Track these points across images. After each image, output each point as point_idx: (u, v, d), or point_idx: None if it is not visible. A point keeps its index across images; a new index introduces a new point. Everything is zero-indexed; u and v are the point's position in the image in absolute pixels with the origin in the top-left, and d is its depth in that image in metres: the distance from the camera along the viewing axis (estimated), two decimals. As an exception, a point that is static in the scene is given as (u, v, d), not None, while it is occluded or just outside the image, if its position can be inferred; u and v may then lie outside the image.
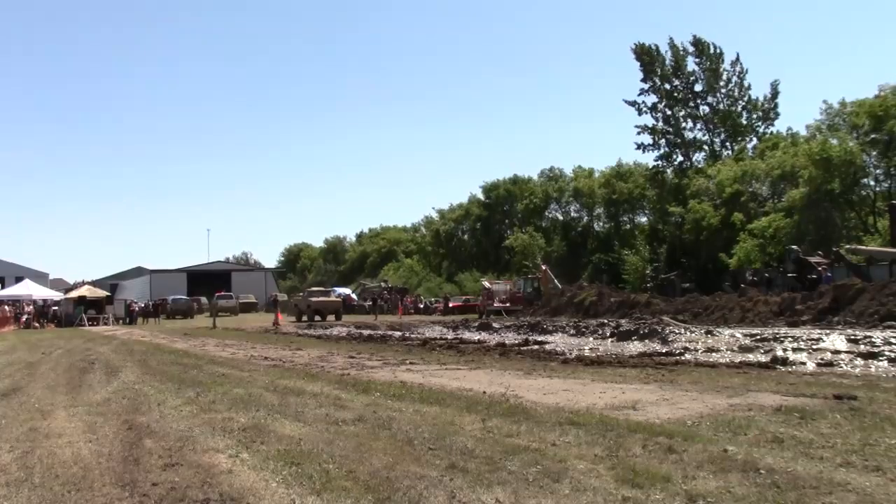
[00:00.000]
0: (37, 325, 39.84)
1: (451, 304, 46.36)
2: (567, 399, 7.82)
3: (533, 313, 35.62)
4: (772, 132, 54.47)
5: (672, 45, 56.18)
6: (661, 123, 56.79)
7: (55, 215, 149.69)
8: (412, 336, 23.23)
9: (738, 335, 17.37)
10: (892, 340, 14.44)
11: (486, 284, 45.50)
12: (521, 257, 57.50)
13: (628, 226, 61.18)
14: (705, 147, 57.65)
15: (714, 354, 13.48)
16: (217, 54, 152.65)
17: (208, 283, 64.63)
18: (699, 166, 54.84)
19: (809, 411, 6.55)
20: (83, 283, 55.48)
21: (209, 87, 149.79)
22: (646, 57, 56.25)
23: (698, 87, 56.36)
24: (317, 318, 37.83)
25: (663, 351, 14.69)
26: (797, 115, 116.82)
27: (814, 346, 14.04)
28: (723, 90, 56.23)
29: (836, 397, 7.29)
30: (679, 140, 56.76)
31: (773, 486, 4.22)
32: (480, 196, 72.40)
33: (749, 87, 55.84)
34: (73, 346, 20.66)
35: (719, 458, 4.88)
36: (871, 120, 37.84)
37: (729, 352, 13.94)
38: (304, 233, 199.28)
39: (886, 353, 12.21)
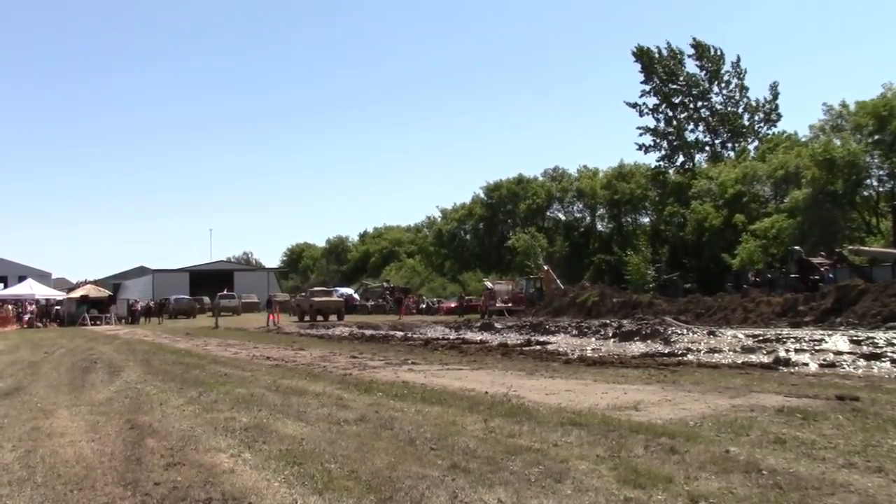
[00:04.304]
0: (39, 324, 39.89)
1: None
2: (569, 399, 7.81)
3: (535, 314, 35.57)
4: (774, 133, 54.52)
5: (669, 49, 56.25)
6: (662, 125, 56.84)
7: (58, 215, 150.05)
8: (414, 336, 23.22)
9: (741, 336, 17.35)
10: (895, 341, 14.41)
11: (489, 285, 45.39)
12: (524, 257, 57.44)
13: (631, 226, 61.14)
14: (707, 148, 57.72)
15: (716, 355, 13.46)
16: (219, 54, 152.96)
17: (210, 282, 64.61)
18: (701, 167, 54.85)
19: (812, 412, 6.54)
20: (86, 283, 55.46)
21: (211, 86, 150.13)
22: (645, 59, 56.24)
23: (697, 90, 56.35)
24: (319, 318, 37.86)
25: (665, 351, 14.67)
26: (799, 117, 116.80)
27: (816, 347, 14.01)
28: (723, 92, 56.32)
29: (839, 398, 7.28)
30: (680, 142, 56.74)
31: (776, 486, 4.22)
32: (483, 196, 72.41)
33: (747, 89, 55.97)
34: (76, 346, 20.70)
35: (721, 458, 4.87)
36: (874, 120, 37.79)
37: (731, 352, 13.91)
38: (307, 233, 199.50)
39: (889, 354, 12.19)
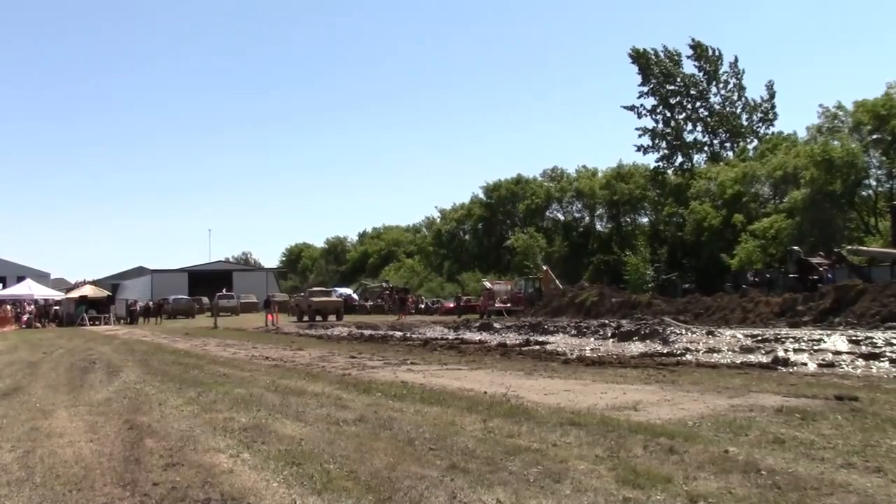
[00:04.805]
0: (38, 324, 39.84)
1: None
2: (568, 399, 7.81)
3: (534, 314, 35.58)
4: (772, 133, 54.58)
5: (666, 50, 56.33)
6: (660, 125, 56.84)
7: (56, 215, 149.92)
8: (413, 336, 23.22)
9: (740, 336, 17.36)
10: (894, 341, 14.43)
11: (488, 285, 45.39)
12: (522, 257, 57.46)
13: (629, 227, 61.17)
14: (706, 148, 57.74)
15: (715, 355, 13.47)
16: (218, 53, 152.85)
17: (209, 283, 64.52)
18: (700, 167, 54.90)
19: (810, 412, 6.55)
20: (84, 283, 55.37)
21: (210, 86, 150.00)
22: (642, 60, 56.26)
23: (696, 91, 56.38)
24: (318, 318, 37.85)
25: (664, 351, 14.68)
26: (798, 117, 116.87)
27: (815, 347, 14.03)
28: (721, 92, 56.36)
29: (838, 398, 7.29)
30: (679, 142, 56.77)
31: (774, 486, 4.22)
32: (482, 196, 72.44)
33: (745, 89, 56.05)
34: (75, 346, 20.67)
35: (720, 458, 4.88)
36: (874, 120, 37.83)
37: (730, 352, 13.92)
38: (306, 233, 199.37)
39: (888, 353, 12.21)
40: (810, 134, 44.38)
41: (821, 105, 44.02)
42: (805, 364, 11.46)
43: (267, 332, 28.36)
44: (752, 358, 12.72)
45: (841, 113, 41.24)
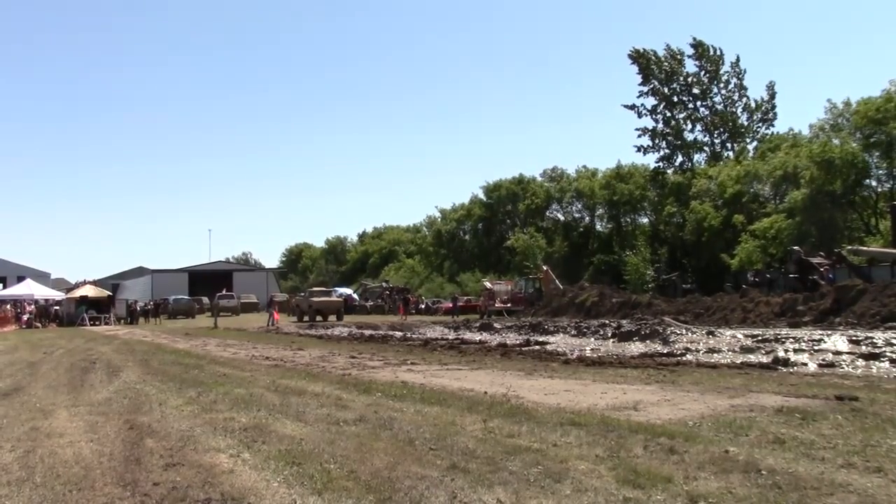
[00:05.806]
0: (38, 324, 39.85)
1: (456, 305, 45.51)
2: (568, 399, 7.81)
3: (534, 314, 35.58)
4: (771, 133, 54.56)
5: (668, 49, 56.34)
6: (661, 125, 56.82)
7: (57, 215, 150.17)
8: (413, 336, 23.20)
9: (740, 336, 17.35)
10: (894, 341, 14.43)
11: (488, 285, 45.36)
12: (523, 258, 57.45)
13: (630, 227, 61.14)
14: (706, 148, 57.76)
15: (715, 355, 13.46)
16: (218, 53, 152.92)
17: (210, 283, 64.59)
18: (700, 167, 54.89)
19: (811, 412, 6.55)
20: (85, 283, 55.34)
21: (210, 86, 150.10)
22: (642, 61, 56.24)
23: (697, 90, 56.42)
24: (318, 318, 37.85)
25: (664, 352, 14.67)
26: (799, 115, 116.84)
27: (815, 347, 14.02)
28: (722, 92, 56.34)
29: (838, 398, 7.29)
30: (679, 142, 56.75)
31: (775, 486, 4.22)
32: (482, 196, 72.45)
33: (746, 89, 56.04)
34: (75, 346, 20.68)
35: (721, 458, 4.88)
36: (868, 122, 37.75)
37: (730, 352, 13.92)
38: (306, 233, 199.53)
39: (888, 354, 12.20)
40: (813, 132, 44.38)
41: (829, 100, 43.97)
42: (805, 364, 11.46)
43: (267, 332, 28.36)
44: (752, 358, 12.71)
45: (847, 110, 41.13)
